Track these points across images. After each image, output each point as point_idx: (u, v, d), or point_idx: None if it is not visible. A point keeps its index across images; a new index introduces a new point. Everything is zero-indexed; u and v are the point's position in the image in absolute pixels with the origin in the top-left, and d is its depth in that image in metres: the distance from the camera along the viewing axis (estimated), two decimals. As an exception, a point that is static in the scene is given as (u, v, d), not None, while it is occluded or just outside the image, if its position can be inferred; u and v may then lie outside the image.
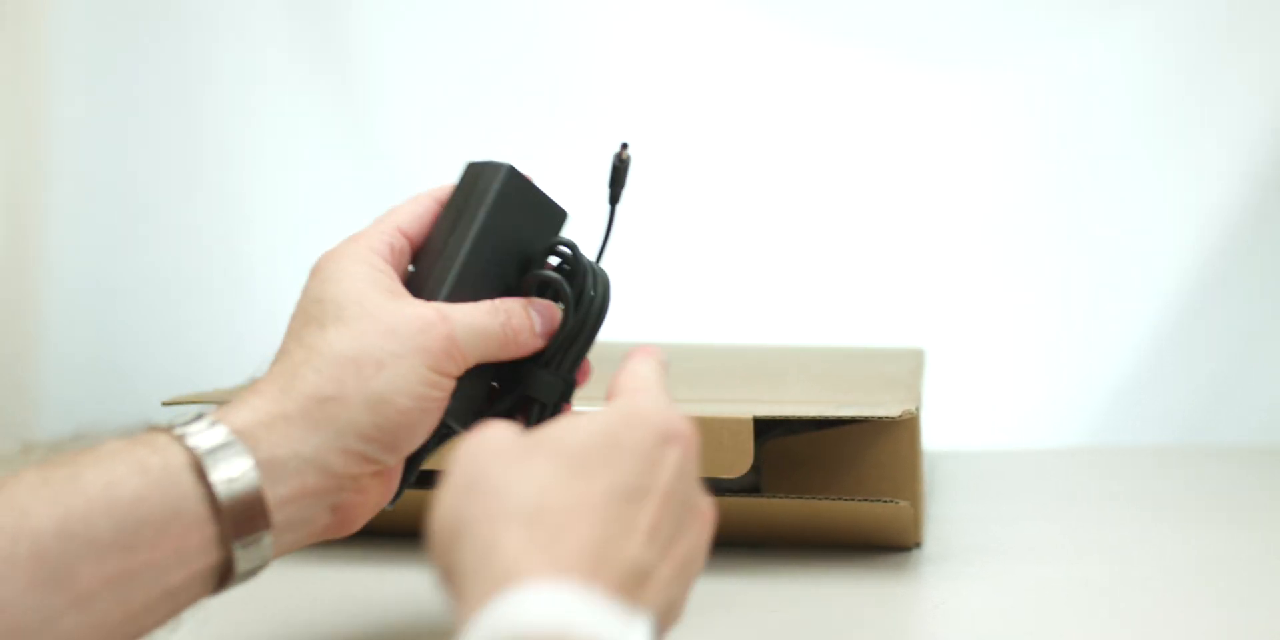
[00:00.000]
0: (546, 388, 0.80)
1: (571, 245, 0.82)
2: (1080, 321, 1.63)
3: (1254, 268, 1.60)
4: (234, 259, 1.64)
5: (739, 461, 0.94)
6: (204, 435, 0.67)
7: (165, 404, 1.00)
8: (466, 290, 0.77)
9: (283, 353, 0.73)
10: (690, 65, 1.64)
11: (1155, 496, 1.25)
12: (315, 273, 0.76)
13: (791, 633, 0.86)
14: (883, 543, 1.02)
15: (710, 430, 0.95)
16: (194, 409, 0.70)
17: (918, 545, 1.03)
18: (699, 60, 1.64)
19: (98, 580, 0.63)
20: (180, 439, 0.67)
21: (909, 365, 1.24)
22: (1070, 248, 1.63)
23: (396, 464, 0.75)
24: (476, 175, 0.80)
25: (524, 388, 0.80)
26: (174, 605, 0.67)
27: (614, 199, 0.87)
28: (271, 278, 1.60)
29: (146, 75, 1.63)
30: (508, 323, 0.77)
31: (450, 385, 0.73)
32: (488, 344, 0.76)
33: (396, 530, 0.98)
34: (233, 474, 0.66)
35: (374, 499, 0.75)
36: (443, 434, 0.77)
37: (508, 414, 0.80)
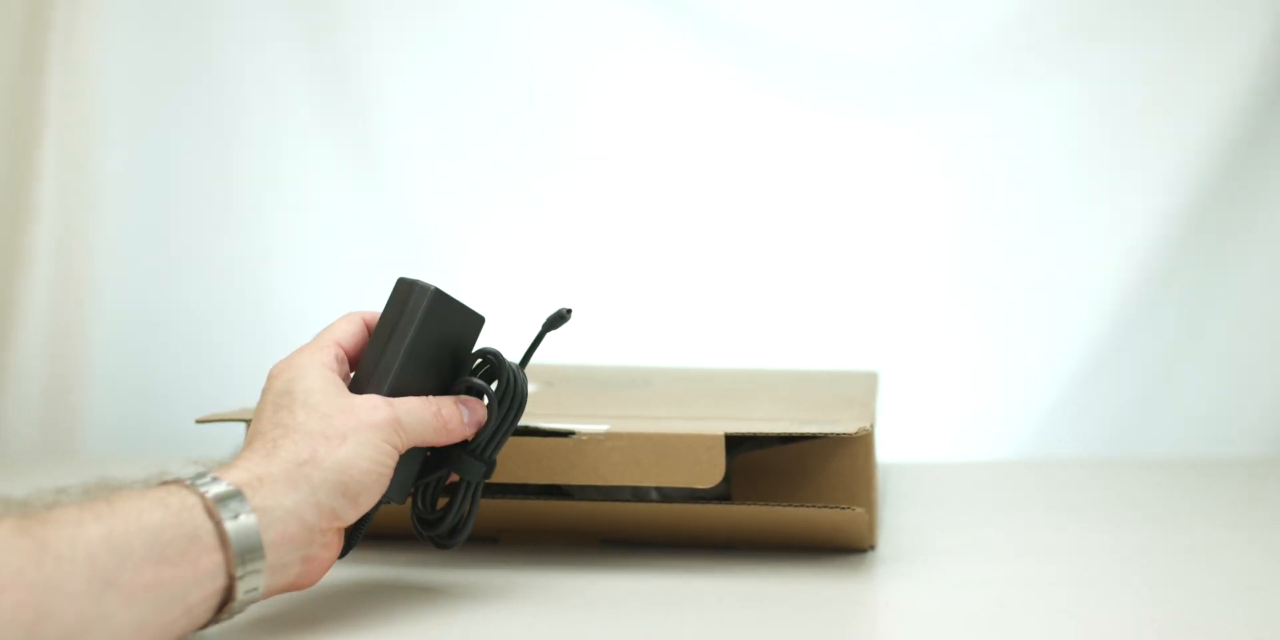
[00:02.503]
0: (472, 469, 0.87)
1: (496, 354, 0.88)
2: (1016, 347, 1.63)
3: (1171, 298, 1.60)
4: (259, 292, 1.64)
5: (712, 473, 0.94)
6: (209, 485, 0.73)
7: (199, 421, 1.00)
8: (404, 389, 0.84)
9: (258, 434, 0.79)
10: (665, 116, 1.64)
11: (1084, 503, 1.25)
12: (277, 376, 0.83)
13: (759, 626, 0.85)
14: (841, 545, 1.01)
15: (686, 445, 0.94)
16: (194, 467, 0.79)
17: (872, 548, 1.03)
18: (673, 112, 1.64)
19: (139, 586, 0.68)
20: (191, 487, 0.73)
21: (864, 386, 1.24)
22: (1006, 280, 1.63)
23: (347, 525, 0.80)
24: (408, 292, 0.85)
25: (454, 468, 0.87)
26: (189, 623, 0.72)
27: (544, 331, 0.91)
28: (293, 308, 1.60)
29: (183, 129, 1.63)
30: (438, 413, 0.84)
31: (396, 457, 0.81)
32: (424, 429, 0.83)
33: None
34: (236, 513, 0.73)
35: (330, 556, 0.80)
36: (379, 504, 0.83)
37: (437, 484, 0.88)
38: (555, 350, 1.39)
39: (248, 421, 0.88)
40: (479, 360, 0.88)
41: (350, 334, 0.86)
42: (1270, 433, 1.60)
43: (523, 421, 0.96)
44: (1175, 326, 1.61)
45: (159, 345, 1.64)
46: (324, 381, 0.81)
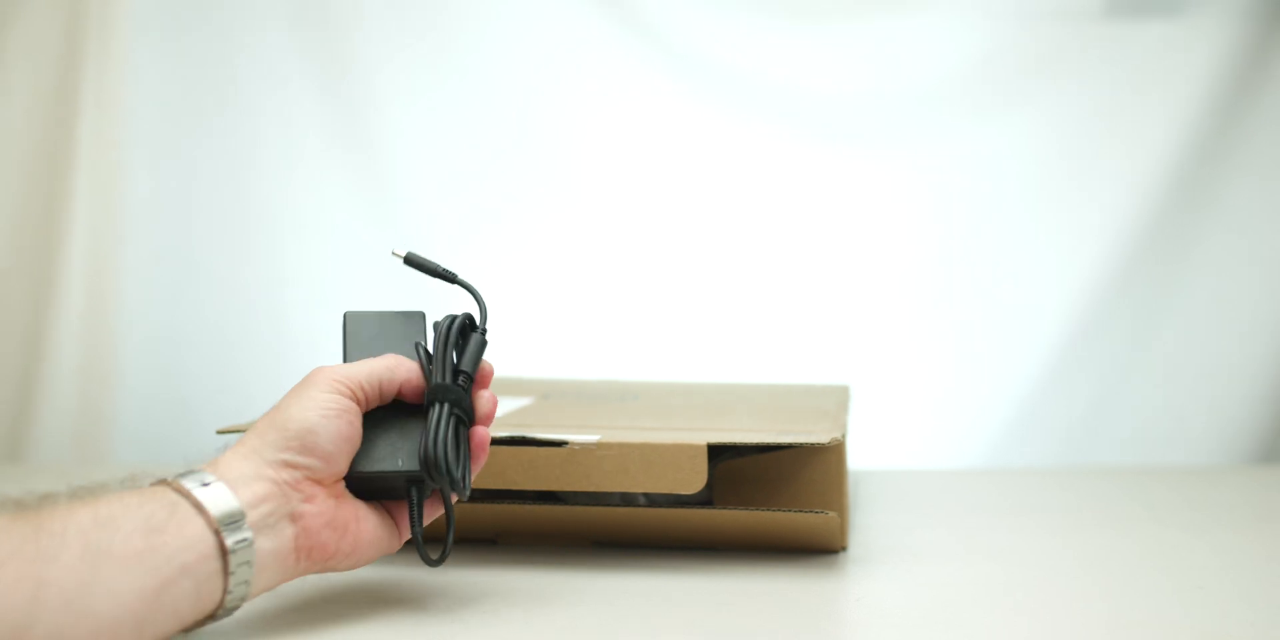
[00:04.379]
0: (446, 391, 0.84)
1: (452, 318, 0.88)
2: (977, 363, 1.63)
3: (1121, 317, 1.60)
4: (277, 311, 1.64)
5: (695, 480, 0.94)
6: (176, 475, 0.76)
7: (219, 432, 1.00)
8: None
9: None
10: (651, 149, 1.64)
11: (1041, 508, 1.25)
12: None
13: (740, 621, 0.85)
14: (815, 547, 1.01)
15: (671, 454, 0.94)
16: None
17: (844, 549, 1.03)
18: (658, 145, 1.64)
19: (130, 553, 0.69)
20: (161, 480, 0.76)
21: (836, 399, 1.24)
22: (968, 300, 1.63)
23: (330, 474, 0.80)
24: (347, 320, 0.89)
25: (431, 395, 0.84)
26: (195, 585, 0.72)
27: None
28: (307, 327, 1.60)
29: (205, 159, 1.63)
30: (388, 359, 0.84)
31: (345, 402, 0.80)
32: (374, 369, 0.83)
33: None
34: (202, 482, 0.75)
35: (343, 517, 0.80)
36: (415, 485, 0.84)
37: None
38: (550, 366, 1.39)
39: None
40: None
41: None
42: (1213, 442, 1.61)
43: (520, 433, 0.96)
44: (1125, 343, 1.61)
45: (183, 361, 1.64)
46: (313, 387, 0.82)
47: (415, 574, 0.95)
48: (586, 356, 1.60)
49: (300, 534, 0.78)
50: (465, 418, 0.83)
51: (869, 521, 1.15)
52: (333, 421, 0.79)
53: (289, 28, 1.61)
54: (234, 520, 0.74)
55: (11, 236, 1.58)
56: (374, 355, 0.85)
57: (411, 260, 0.91)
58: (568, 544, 1.03)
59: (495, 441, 0.96)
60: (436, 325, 0.87)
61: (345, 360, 0.87)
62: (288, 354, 1.61)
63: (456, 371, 0.85)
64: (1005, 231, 1.62)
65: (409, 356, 0.86)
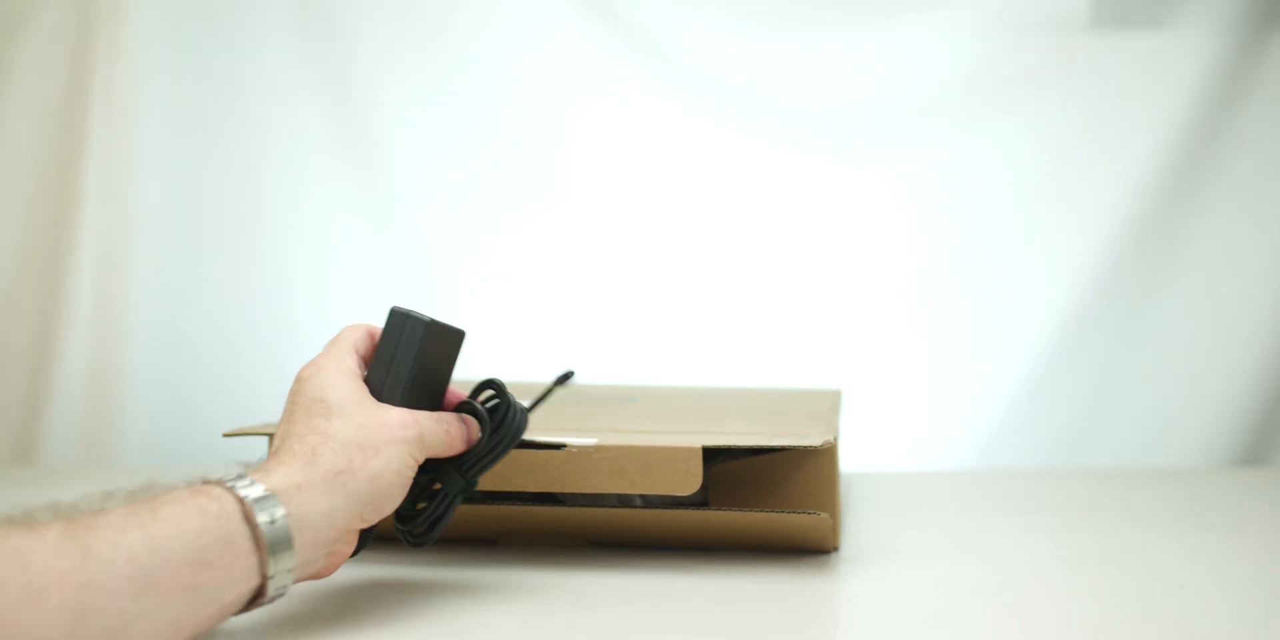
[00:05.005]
0: (454, 483, 0.87)
1: (501, 387, 0.89)
2: (967, 368, 1.63)
3: (1107, 323, 1.61)
4: (281, 317, 1.64)
5: (691, 482, 0.94)
6: (248, 489, 0.73)
7: (226, 435, 1.00)
8: (413, 401, 0.84)
9: (294, 437, 0.79)
10: (647, 160, 1.65)
11: (1029, 509, 1.25)
12: (308, 380, 0.83)
13: (734, 619, 0.85)
14: (807, 547, 1.01)
15: (667, 456, 0.94)
16: (235, 468, 0.77)
17: (836, 549, 1.03)
18: (655, 155, 1.65)
19: (177, 587, 0.68)
20: (231, 490, 0.73)
21: (829, 403, 1.24)
22: (958, 307, 1.63)
23: (369, 527, 0.81)
24: (403, 322, 0.86)
25: (438, 477, 0.87)
26: (222, 617, 0.72)
27: (554, 386, 1.00)
28: (311, 332, 1.59)
29: (212, 170, 1.63)
30: (448, 430, 0.84)
31: (416, 468, 0.82)
32: (436, 443, 0.83)
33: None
34: (272, 517, 0.72)
35: (349, 550, 0.81)
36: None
37: (421, 489, 0.87)
38: (550, 371, 1.39)
39: (271, 435, 0.87)
40: (487, 390, 0.89)
41: (364, 343, 0.87)
42: (1197, 445, 1.61)
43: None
44: (1112, 349, 1.62)
45: (190, 365, 1.64)
46: (356, 392, 0.82)
47: (415, 574, 0.95)
48: (587, 361, 1.60)
49: (323, 569, 0.79)
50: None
51: (860, 523, 1.15)
52: (404, 491, 0.81)
53: (293, 40, 1.62)
54: (285, 564, 0.73)
55: (22, 243, 1.58)
56: (421, 378, 0.85)
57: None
58: (566, 544, 1.03)
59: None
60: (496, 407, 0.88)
61: (385, 359, 0.85)
62: (291, 358, 1.59)
63: (476, 466, 0.88)
64: (994, 238, 1.63)
65: (439, 400, 0.88)
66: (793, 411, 1.18)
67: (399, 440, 0.80)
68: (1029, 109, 1.61)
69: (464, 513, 0.97)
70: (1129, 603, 0.90)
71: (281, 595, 0.74)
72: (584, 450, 0.96)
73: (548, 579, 0.94)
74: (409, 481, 0.81)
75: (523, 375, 1.37)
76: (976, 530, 1.14)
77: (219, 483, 0.73)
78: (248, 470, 0.76)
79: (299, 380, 0.83)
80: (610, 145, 1.65)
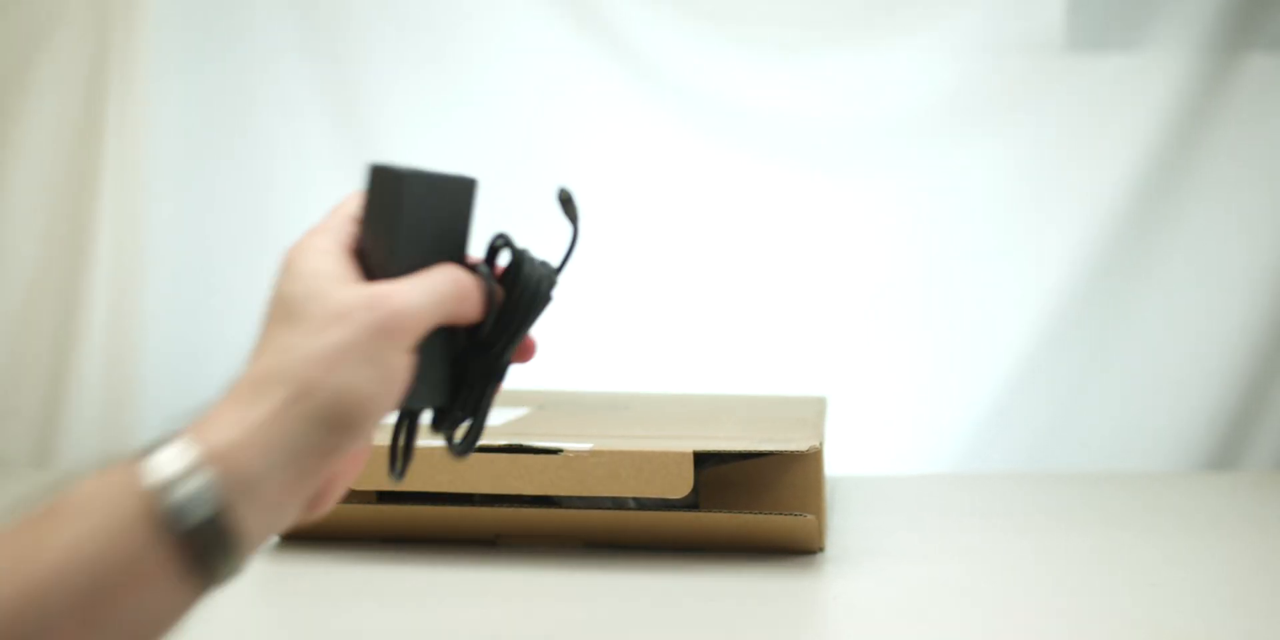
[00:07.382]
0: (478, 369, 0.70)
1: (506, 238, 0.75)
2: (947, 375, 1.63)
3: (1082, 332, 1.61)
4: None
5: (682, 485, 0.94)
6: (166, 466, 0.57)
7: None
8: (413, 268, 0.66)
9: (258, 352, 0.64)
10: (641, 172, 1.64)
11: (1007, 511, 1.25)
12: (284, 271, 0.65)
13: (723, 617, 0.85)
14: (794, 548, 1.02)
15: (660, 461, 0.95)
16: (172, 429, 0.61)
17: (821, 550, 1.03)
18: (648, 168, 1.64)
19: (72, 635, 0.53)
20: (137, 479, 0.57)
21: (814, 409, 1.24)
22: (939, 316, 1.63)
23: (365, 443, 0.64)
24: (383, 179, 0.68)
25: (456, 367, 0.69)
26: (161, 624, 0.56)
27: (574, 222, 0.79)
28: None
29: (223, 182, 1.63)
30: (455, 279, 0.67)
31: (406, 357, 0.62)
32: (442, 303, 0.65)
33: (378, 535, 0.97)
34: (193, 499, 0.56)
35: (344, 479, 0.67)
36: (414, 412, 0.69)
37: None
38: (547, 377, 1.39)
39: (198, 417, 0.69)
40: (492, 246, 0.74)
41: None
42: (1169, 450, 1.61)
43: (518, 441, 0.97)
44: (1086, 356, 1.62)
45: (202, 375, 1.64)
46: (324, 278, 0.63)
47: (415, 573, 0.95)
48: (582, 369, 1.60)
49: (316, 503, 0.66)
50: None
51: (845, 524, 1.15)
52: (391, 398, 0.62)
53: (302, 62, 1.62)
54: (231, 554, 0.57)
55: (40, 257, 1.58)
56: (420, 245, 0.68)
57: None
58: (562, 545, 1.03)
59: (494, 449, 0.97)
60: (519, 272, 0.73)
61: (372, 228, 0.68)
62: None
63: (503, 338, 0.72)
64: (974, 251, 1.63)
65: (459, 252, 0.71)
66: (780, 417, 1.19)
67: (364, 327, 0.60)
68: (1007, 127, 1.62)
69: (464, 514, 0.97)
70: (1103, 601, 0.90)
71: (243, 559, 0.58)
72: (580, 455, 0.96)
73: (544, 578, 0.94)
74: (397, 376, 0.62)
75: (517, 382, 1.37)
76: (956, 531, 1.14)
77: (128, 467, 0.58)
78: (187, 425, 0.61)
79: (280, 269, 0.66)
80: (604, 161, 1.65)
